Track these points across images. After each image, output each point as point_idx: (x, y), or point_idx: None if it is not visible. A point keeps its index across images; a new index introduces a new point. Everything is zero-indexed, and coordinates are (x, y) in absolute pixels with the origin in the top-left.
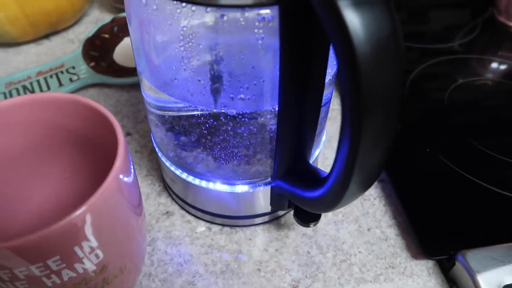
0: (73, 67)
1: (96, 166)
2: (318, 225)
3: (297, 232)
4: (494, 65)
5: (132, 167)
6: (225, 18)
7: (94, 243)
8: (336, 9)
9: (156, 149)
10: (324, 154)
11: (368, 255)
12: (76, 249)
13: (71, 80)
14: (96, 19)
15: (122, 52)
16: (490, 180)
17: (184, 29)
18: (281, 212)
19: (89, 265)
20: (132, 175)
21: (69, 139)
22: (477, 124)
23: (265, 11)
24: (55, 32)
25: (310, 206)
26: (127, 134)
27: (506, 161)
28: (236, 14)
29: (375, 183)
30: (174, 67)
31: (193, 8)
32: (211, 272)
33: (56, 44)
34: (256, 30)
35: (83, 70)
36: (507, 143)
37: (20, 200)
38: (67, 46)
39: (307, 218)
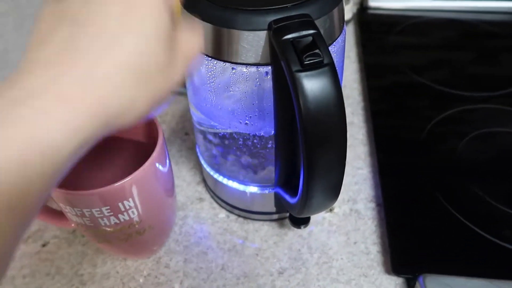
0: None
1: (146, 157)
2: (313, 231)
3: (295, 233)
4: None
5: (167, 161)
6: (233, 70)
7: (132, 203)
8: (294, 76)
9: (197, 149)
10: None
11: (347, 262)
12: (120, 204)
13: None
14: None
15: None
16: (477, 223)
17: (213, 77)
18: (286, 214)
19: (128, 218)
20: (167, 167)
21: (130, 135)
22: (483, 172)
23: (264, 68)
24: None
25: (291, 209)
26: (185, 133)
27: (500, 209)
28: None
29: (374, 206)
30: (209, 100)
31: (216, 61)
32: (221, 249)
33: None
34: (257, 80)
35: None
36: (506, 192)
37: (95, 172)
38: None
39: (299, 221)
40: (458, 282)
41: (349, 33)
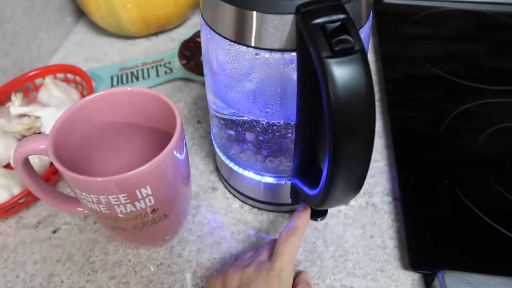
0: (169, 62)
1: (162, 144)
2: (328, 223)
3: (310, 225)
4: None
5: (184, 148)
6: (257, 56)
7: (149, 191)
8: (323, 63)
9: (212, 137)
10: None
11: (364, 256)
12: (137, 192)
13: (165, 72)
14: (196, 23)
15: None
16: (497, 219)
17: (235, 62)
18: None
19: (144, 206)
20: (184, 154)
21: (147, 121)
22: (503, 167)
23: (288, 55)
24: (163, 31)
25: (309, 201)
26: (198, 122)
27: None
28: (267, 54)
29: (390, 199)
30: (229, 87)
31: (238, 46)
32: (235, 239)
33: (162, 41)
34: (281, 66)
35: (176, 66)
36: None
37: (110, 157)
38: (169, 44)
39: (316, 213)
40: (479, 280)
41: None
